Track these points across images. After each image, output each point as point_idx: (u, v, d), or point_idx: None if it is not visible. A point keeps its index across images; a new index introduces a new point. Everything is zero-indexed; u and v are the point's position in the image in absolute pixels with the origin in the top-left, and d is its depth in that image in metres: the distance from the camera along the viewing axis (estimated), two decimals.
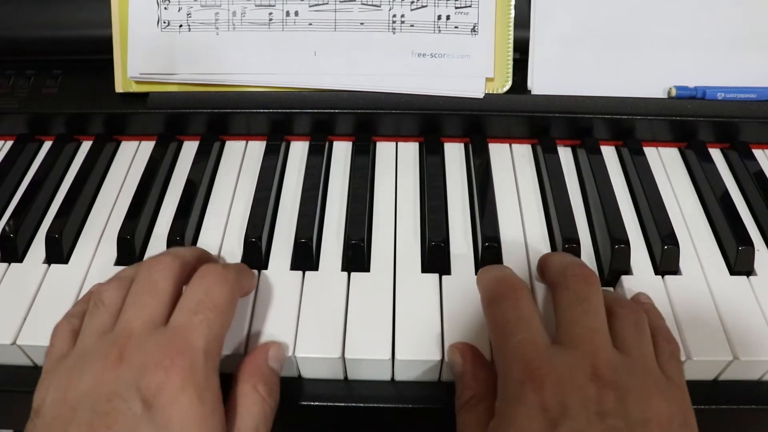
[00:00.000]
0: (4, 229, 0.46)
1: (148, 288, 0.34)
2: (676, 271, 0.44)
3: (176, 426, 0.30)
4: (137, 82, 0.53)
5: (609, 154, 0.54)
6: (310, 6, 0.51)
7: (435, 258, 0.43)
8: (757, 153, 0.54)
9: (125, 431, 0.29)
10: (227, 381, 0.36)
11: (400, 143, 0.54)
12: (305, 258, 0.43)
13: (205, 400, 0.31)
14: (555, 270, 0.38)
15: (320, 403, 0.39)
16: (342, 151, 0.53)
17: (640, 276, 0.44)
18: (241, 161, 0.53)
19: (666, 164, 0.53)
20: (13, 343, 0.40)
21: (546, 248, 0.45)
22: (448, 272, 0.43)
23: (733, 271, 0.44)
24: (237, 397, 0.35)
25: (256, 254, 0.44)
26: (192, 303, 0.34)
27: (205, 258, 0.41)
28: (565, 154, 0.53)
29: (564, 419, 0.29)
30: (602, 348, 0.32)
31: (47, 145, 0.55)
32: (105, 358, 0.31)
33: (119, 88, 0.53)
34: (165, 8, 0.51)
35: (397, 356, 0.38)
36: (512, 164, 0.53)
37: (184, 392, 0.30)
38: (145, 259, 0.43)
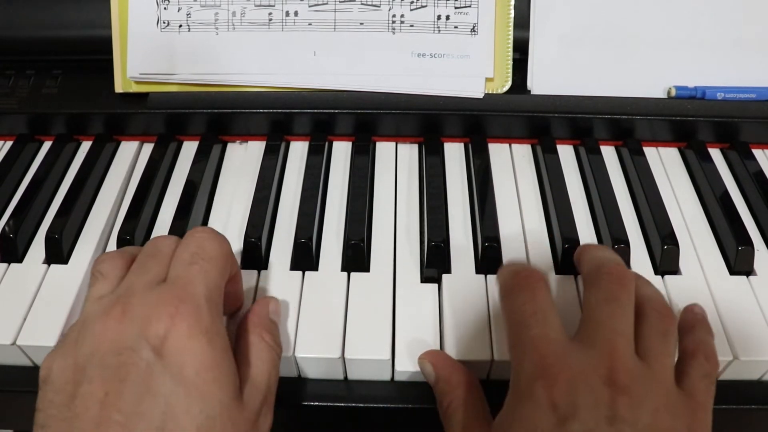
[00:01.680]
0: (4, 229, 0.46)
1: (152, 255, 0.35)
2: (675, 271, 0.44)
3: (191, 370, 0.29)
4: (137, 83, 0.53)
5: (609, 154, 0.54)
6: (309, 6, 0.51)
7: (435, 258, 0.43)
8: (757, 153, 0.54)
9: (140, 381, 0.29)
10: None
11: (400, 143, 0.54)
12: (305, 258, 0.43)
13: (215, 344, 0.31)
14: (589, 264, 0.37)
15: (320, 403, 0.39)
16: (342, 151, 0.53)
17: None
18: (241, 161, 0.53)
19: (666, 164, 0.53)
20: (13, 344, 0.40)
21: (546, 248, 0.45)
22: (448, 272, 0.43)
23: (733, 271, 0.44)
24: (247, 346, 0.35)
25: (256, 254, 0.44)
26: (186, 255, 0.34)
27: None
28: (566, 154, 0.53)
29: (573, 419, 0.28)
30: (622, 352, 0.31)
31: (47, 145, 0.55)
32: (107, 315, 0.31)
33: (119, 88, 0.53)
34: (165, 8, 0.51)
35: (397, 356, 0.38)
36: (512, 164, 0.53)
37: (193, 338, 0.30)
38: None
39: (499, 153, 0.53)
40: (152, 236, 0.47)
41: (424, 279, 0.43)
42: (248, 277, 0.42)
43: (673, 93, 0.52)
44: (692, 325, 0.37)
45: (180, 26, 0.52)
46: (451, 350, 0.39)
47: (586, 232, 0.47)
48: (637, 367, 0.31)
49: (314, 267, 0.44)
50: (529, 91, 0.52)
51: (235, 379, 0.32)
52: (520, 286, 0.35)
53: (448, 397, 0.35)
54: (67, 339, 0.32)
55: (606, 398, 0.29)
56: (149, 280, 0.33)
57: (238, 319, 0.38)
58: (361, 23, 0.51)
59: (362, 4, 0.51)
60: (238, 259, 0.44)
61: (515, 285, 0.35)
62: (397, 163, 0.53)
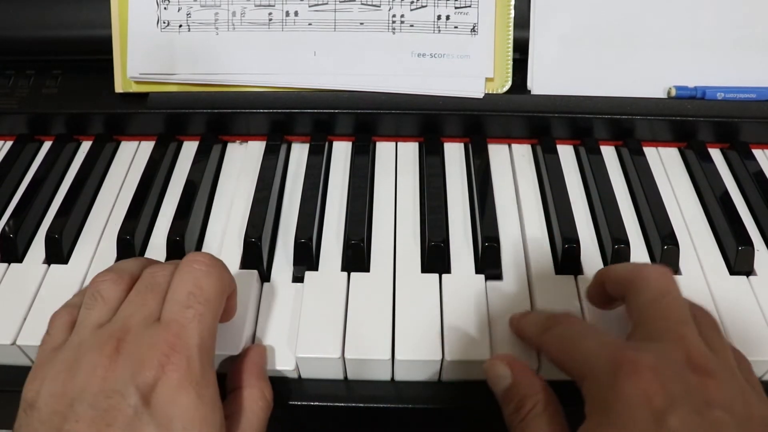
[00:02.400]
0: (4, 229, 0.46)
1: (152, 290, 0.34)
2: (676, 271, 0.44)
3: (178, 425, 0.29)
4: (137, 83, 0.53)
5: (609, 154, 0.54)
6: (309, 6, 0.51)
7: (435, 258, 0.43)
8: (757, 153, 0.54)
9: (125, 428, 0.29)
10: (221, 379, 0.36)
11: (400, 143, 0.54)
12: (305, 258, 0.43)
13: (204, 398, 0.30)
14: (625, 274, 0.35)
15: (320, 403, 0.39)
16: (342, 151, 0.53)
17: None
18: (241, 161, 0.53)
19: (666, 164, 0.53)
20: (13, 344, 0.40)
21: (546, 248, 0.45)
22: (448, 272, 0.43)
23: (733, 271, 0.44)
24: (245, 399, 0.35)
25: (256, 254, 0.44)
26: (182, 296, 0.33)
27: None
28: (566, 154, 0.53)
29: (671, 411, 0.26)
30: (693, 338, 0.29)
31: (47, 145, 0.55)
32: (101, 351, 0.31)
33: (119, 88, 0.53)
34: (165, 8, 0.51)
35: (397, 356, 0.38)
36: (512, 164, 0.53)
37: (182, 390, 0.30)
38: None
39: (499, 153, 0.53)
40: (152, 237, 0.47)
41: (424, 279, 0.43)
42: (248, 277, 0.42)
43: (673, 93, 0.52)
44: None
45: (180, 26, 0.52)
46: (451, 350, 0.39)
47: (586, 232, 0.47)
48: (710, 353, 0.30)
49: (314, 267, 0.44)
50: (529, 91, 0.52)
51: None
52: (557, 319, 0.35)
53: (531, 400, 0.33)
54: (58, 359, 0.32)
55: (696, 383, 0.27)
56: (146, 316, 0.32)
57: (235, 364, 0.37)
58: (361, 23, 0.51)
59: (362, 4, 0.51)
60: (238, 260, 0.44)
61: (552, 322, 0.35)
62: (397, 163, 0.53)
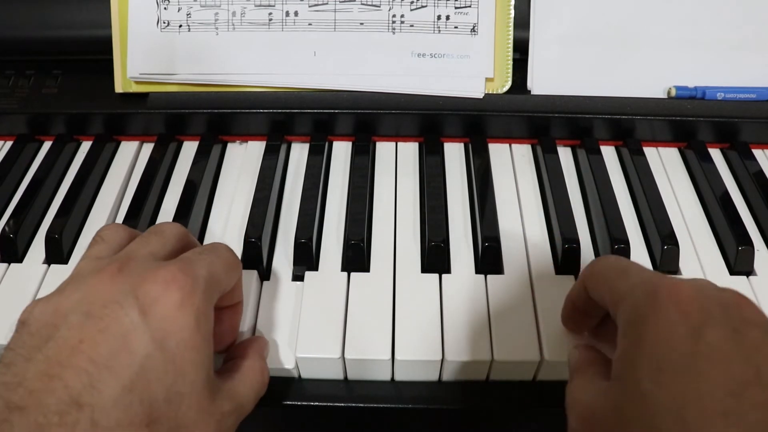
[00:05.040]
0: (4, 229, 0.46)
1: (155, 232, 0.35)
2: (676, 271, 0.44)
3: (172, 341, 0.29)
4: (137, 83, 0.53)
5: (609, 154, 0.54)
6: (309, 6, 0.51)
7: (435, 258, 0.43)
8: (757, 153, 0.54)
9: (119, 336, 0.28)
10: None
11: (399, 143, 0.54)
12: (305, 258, 0.43)
13: (201, 329, 0.30)
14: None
15: (320, 403, 0.39)
16: (342, 151, 0.53)
17: None
18: (241, 161, 0.53)
19: (666, 164, 0.53)
20: None
21: (546, 248, 0.45)
22: (448, 272, 0.43)
23: (733, 271, 0.44)
24: (246, 367, 0.35)
25: (256, 254, 0.44)
26: (198, 249, 0.35)
27: None
28: (564, 155, 0.53)
29: (707, 325, 0.26)
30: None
31: (47, 145, 0.55)
32: (102, 271, 0.30)
33: (119, 88, 0.53)
34: (165, 8, 0.51)
35: (397, 356, 0.38)
36: (512, 164, 0.53)
37: (183, 310, 0.29)
38: None
39: (499, 153, 0.53)
40: None
41: (424, 279, 0.43)
42: (248, 276, 0.42)
43: (673, 93, 0.52)
44: None
45: (180, 26, 0.52)
46: (451, 350, 0.39)
47: (586, 232, 0.47)
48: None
49: (314, 267, 0.44)
50: (529, 91, 0.52)
51: (209, 370, 0.31)
52: (604, 258, 0.34)
53: (584, 357, 0.33)
54: (55, 290, 0.31)
55: (733, 304, 0.27)
56: (150, 251, 0.33)
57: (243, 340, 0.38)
58: (361, 23, 0.51)
59: (362, 4, 0.51)
60: None
61: (599, 259, 0.34)
62: (397, 163, 0.53)
